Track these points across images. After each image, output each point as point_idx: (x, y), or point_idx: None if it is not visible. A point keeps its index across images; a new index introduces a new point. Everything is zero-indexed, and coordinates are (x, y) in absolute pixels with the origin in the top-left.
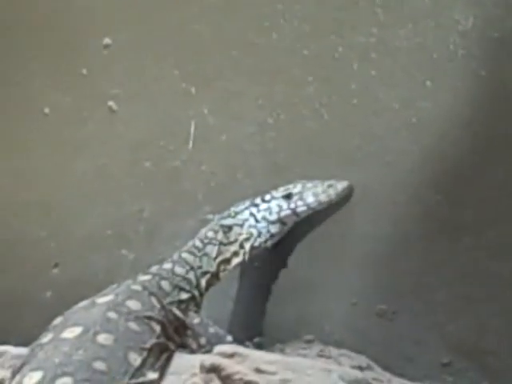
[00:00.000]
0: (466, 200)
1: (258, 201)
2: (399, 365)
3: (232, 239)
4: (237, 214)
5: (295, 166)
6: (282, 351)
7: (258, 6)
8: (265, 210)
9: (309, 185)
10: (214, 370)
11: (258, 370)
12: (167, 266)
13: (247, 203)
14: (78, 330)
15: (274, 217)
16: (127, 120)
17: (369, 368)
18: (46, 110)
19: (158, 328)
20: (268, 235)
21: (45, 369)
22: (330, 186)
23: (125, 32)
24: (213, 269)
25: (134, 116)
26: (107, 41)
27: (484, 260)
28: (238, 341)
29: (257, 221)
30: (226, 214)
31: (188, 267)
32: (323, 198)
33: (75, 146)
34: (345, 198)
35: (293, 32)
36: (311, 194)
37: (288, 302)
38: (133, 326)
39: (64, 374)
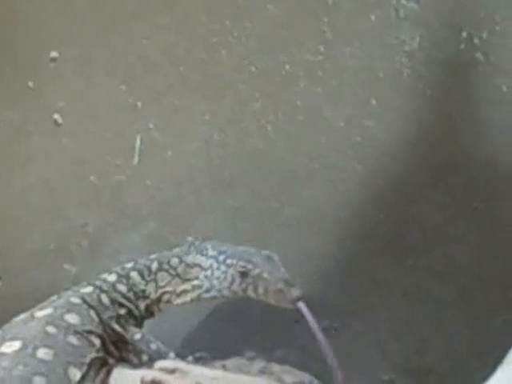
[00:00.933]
0: (409, 220)
1: (221, 258)
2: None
3: (189, 277)
4: (206, 256)
5: (241, 182)
6: (223, 367)
7: (207, 22)
8: (222, 272)
9: (265, 275)
10: None
11: None
12: (111, 278)
13: (214, 252)
14: (17, 345)
15: (225, 285)
16: (73, 134)
17: None
18: None
19: (97, 342)
20: (219, 295)
21: None
22: (280, 290)
23: (72, 46)
24: (154, 296)
25: (79, 130)
26: (54, 54)
27: (426, 281)
28: (181, 357)
29: (213, 275)
30: (200, 247)
31: (129, 287)
32: (270, 298)
33: (20, 159)
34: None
35: (241, 48)
36: (263, 287)
37: (230, 317)
38: (72, 340)
39: None
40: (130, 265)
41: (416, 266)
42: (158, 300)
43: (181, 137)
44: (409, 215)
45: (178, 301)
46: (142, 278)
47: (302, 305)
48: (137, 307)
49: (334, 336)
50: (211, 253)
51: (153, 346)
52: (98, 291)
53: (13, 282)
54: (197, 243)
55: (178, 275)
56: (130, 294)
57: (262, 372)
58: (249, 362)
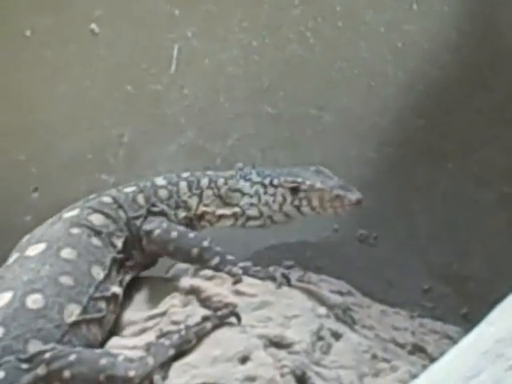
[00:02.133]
0: (450, 125)
1: (266, 181)
2: (379, 290)
3: (229, 201)
4: (250, 182)
5: (279, 89)
6: None
7: None
8: (270, 195)
9: (318, 185)
10: (193, 291)
11: (238, 292)
12: (159, 182)
13: (259, 178)
14: (41, 247)
15: (275, 207)
16: (109, 42)
17: (349, 293)
18: (27, 33)
19: (119, 244)
20: (269, 221)
21: (14, 288)
22: (338, 196)
23: None
24: (195, 211)
25: (115, 38)
26: None
27: (466, 186)
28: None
29: (260, 202)
30: (244, 173)
31: (172, 194)
32: (327, 208)
33: (56, 68)
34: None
35: None
36: (318, 198)
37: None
38: (94, 241)
39: (33, 291)
40: (185, 174)
41: (456, 171)
42: (200, 217)
43: (218, 44)
44: (449, 120)
45: (217, 224)
46: (189, 189)
47: None
48: (175, 215)
49: (374, 245)
50: (256, 179)
51: (173, 234)
52: (137, 191)
53: (50, 192)
54: (245, 169)
55: (219, 197)
56: (171, 202)
57: (299, 281)
58: (287, 271)
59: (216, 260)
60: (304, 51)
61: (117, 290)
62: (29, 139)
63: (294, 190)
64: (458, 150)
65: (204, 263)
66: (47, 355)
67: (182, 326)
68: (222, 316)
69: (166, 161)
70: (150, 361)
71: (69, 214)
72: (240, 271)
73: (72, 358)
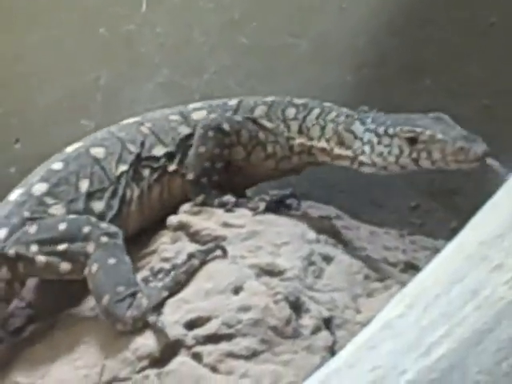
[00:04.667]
0: (424, 41)
1: (381, 130)
2: (367, 211)
3: (343, 141)
4: (365, 126)
5: (251, 19)
6: None
7: None
8: (385, 146)
9: (439, 136)
10: (181, 227)
11: (226, 225)
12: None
13: (373, 125)
14: None
15: (391, 159)
16: None
17: (337, 217)
18: None
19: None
20: (383, 171)
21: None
22: (461, 149)
23: None
24: (314, 142)
25: None
26: None
27: (446, 101)
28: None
29: (373, 152)
30: (362, 116)
31: (300, 118)
32: (450, 162)
33: (27, 18)
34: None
35: None
36: (439, 150)
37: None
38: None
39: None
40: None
41: (434, 86)
42: (308, 151)
43: None
44: (423, 36)
45: (335, 162)
46: (317, 118)
47: (491, 161)
48: (288, 138)
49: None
50: (370, 125)
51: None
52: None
53: (32, 141)
54: (367, 112)
55: (337, 134)
56: (293, 123)
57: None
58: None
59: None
60: None
61: None
62: (6, 91)
63: (412, 141)
64: (434, 65)
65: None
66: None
67: (170, 266)
68: (208, 250)
69: (145, 100)
70: (144, 303)
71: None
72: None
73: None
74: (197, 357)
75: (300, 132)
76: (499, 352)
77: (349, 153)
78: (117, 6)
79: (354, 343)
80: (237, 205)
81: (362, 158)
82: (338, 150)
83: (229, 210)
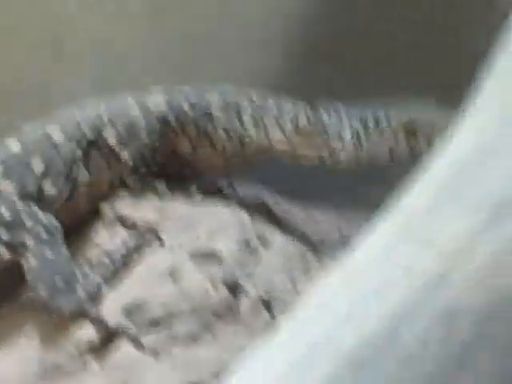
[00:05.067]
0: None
1: (371, 123)
2: (303, 194)
3: (313, 141)
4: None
5: (177, 8)
6: None
7: None
8: (377, 137)
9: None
10: (117, 216)
11: (162, 212)
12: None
13: (354, 121)
14: None
15: (385, 150)
16: None
17: (273, 201)
18: None
19: None
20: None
21: None
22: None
23: None
24: (274, 137)
25: None
26: None
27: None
28: None
29: (361, 147)
30: (331, 108)
31: (256, 111)
32: None
33: None
34: None
35: None
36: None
37: None
38: None
39: None
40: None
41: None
42: (264, 147)
43: None
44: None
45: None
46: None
47: None
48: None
49: None
50: (349, 121)
51: None
52: None
53: None
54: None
55: (298, 132)
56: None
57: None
58: None
59: None
60: None
61: None
62: None
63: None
64: (359, 52)
65: None
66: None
67: (106, 255)
68: (143, 239)
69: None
70: (82, 294)
71: None
72: None
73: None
74: (138, 344)
75: (256, 126)
76: (431, 325)
77: (321, 153)
78: None
79: (290, 322)
80: None
81: (340, 157)
82: (302, 147)
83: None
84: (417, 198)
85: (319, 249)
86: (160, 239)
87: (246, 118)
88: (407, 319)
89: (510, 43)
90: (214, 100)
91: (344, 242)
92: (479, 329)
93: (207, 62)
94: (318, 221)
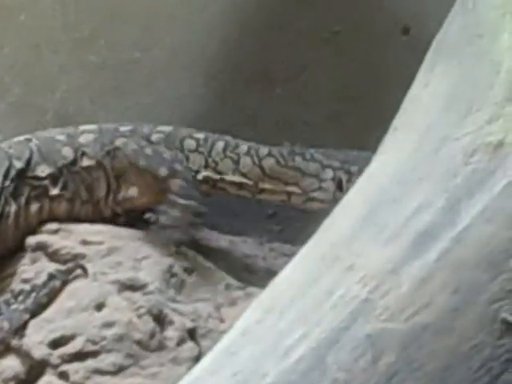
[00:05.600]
0: (274, 50)
1: (353, 169)
2: (225, 222)
3: (285, 179)
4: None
5: (100, 36)
6: None
7: None
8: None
9: None
10: (40, 247)
11: (85, 242)
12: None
13: (336, 163)
14: None
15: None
16: None
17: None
18: None
19: None
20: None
21: None
22: None
23: None
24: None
25: None
26: None
27: (295, 108)
28: None
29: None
30: (299, 150)
31: (203, 149)
32: None
33: None
34: None
35: None
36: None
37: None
38: None
39: None
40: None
41: (284, 95)
42: (214, 185)
43: None
44: (272, 44)
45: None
46: (224, 151)
47: None
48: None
49: None
50: (326, 161)
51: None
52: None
53: None
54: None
55: (261, 169)
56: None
57: None
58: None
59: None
60: None
61: None
62: None
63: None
64: (284, 74)
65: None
66: None
67: (31, 287)
68: (68, 270)
69: None
70: (6, 326)
71: None
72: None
73: None
74: (63, 376)
75: (206, 166)
76: (356, 349)
77: (292, 188)
78: None
79: (215, 351)
80: None
81: (317, 194)
82: (267, 185)
83: None
84: (339, 226)
85: (243, 276)
86: (84, 268)
87: (190, 155)
88: (333, 346)
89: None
90: (154, 134)
91: (268, 269)
92: (405, 355)
93: (131, 89)
94: (241, 247)
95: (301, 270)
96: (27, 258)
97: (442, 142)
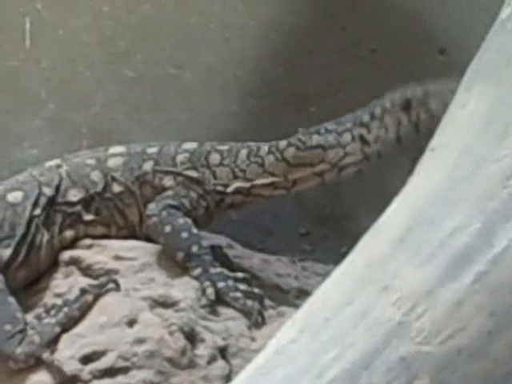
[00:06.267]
0: (309, 69)
1: (365, 118)
2: (259, 240)
3: (310, 161)
4: (329, 132)
5: (136, 52)
6: None
7: None
8: (378, 127)
9: (431, 87)
10: (73, 262)
11: (118, 258)
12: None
13: (349, 124)
14: None
15: (391, 135)
16: None
17: (229, 247)
18: None
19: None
20: (373, 159)
21: None
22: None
23: None
24: (257, 181)
25: None
26: None
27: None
28: None
29: (367, 144)
30: (314, 129)
31: (230, 163)
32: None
33: None
34: None
35: None
36: (437, 99)
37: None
38: None
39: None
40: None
41: (319, 113)
42: (246, 193)
43: (69, 14)
44: (307, 64)
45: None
46: (249, 158)
47: None
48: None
49: None
50: (340, 127)
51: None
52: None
53: None
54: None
55: (285, 161)
56: (222, 170)
57: None
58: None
59: (197, 271)
60: (157, 11)
61: None
62: None
63: (407, 105)
64: (318, 92)
65: (186, 269)
66: None
67: (63, 302)
68: (100, 284)
69: (32, 136)
70: (37, 339)
71: None
72: (213, 297)
73: None
74: None
75: (235, 177)
76: (390, 372)
77: (320, 167)
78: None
79: (248, 370)
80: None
81: (346, 160)
82: (296, 175)
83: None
84: (375, 246)
85: (275, 295)
86: (116, 283)
87: (216, 169)
88: (366, 368)
89: None
90: (179, 155)
91: (300, 289)
92: (439, 379)
93: (166, 104)
94: (274, 266)
95: (335, 290)
96: (60, 272)
97: (480, 164)
